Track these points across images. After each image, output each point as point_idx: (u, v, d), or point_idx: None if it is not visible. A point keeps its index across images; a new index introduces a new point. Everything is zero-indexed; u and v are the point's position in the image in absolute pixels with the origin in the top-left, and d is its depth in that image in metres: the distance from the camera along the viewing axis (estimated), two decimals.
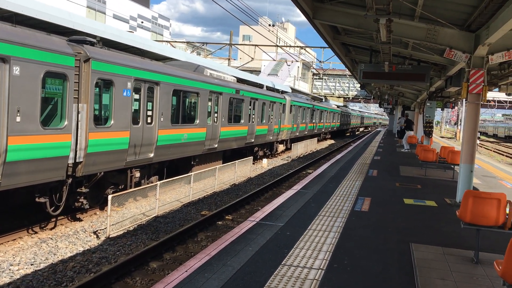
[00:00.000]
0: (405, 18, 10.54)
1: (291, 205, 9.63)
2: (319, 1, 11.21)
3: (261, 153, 25.46)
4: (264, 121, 24.27)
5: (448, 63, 14.45)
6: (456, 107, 52.49)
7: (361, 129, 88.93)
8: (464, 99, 11.13)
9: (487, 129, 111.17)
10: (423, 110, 24.62)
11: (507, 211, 6.30)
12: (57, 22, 11.93)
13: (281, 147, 29.43)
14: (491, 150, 49.18)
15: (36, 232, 10.10)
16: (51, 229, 10.45)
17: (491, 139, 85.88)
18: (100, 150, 10.76)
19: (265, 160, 24.18)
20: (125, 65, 11.57)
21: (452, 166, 15.62)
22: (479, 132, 74.99)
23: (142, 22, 68.65)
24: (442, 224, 8.82)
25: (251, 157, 20.55)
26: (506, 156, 42.72)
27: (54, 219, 10.62)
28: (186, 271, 5.46)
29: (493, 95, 51.27)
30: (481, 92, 10.30)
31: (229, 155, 21.16)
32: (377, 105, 65.27)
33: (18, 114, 8.44)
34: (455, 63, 13.11)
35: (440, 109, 30.05)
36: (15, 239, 9.51)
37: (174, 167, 15.73)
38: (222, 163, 19.11)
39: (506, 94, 17.33)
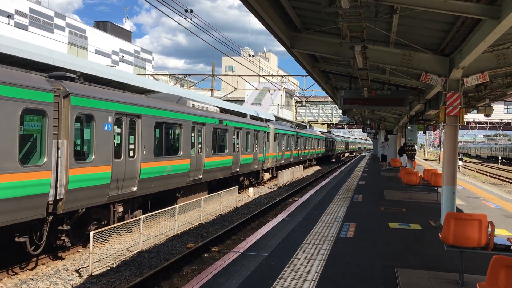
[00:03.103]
0: (380, 45, 10.76)
1: (276, 234, 9.54)
2: (295, 31, 11.41)
3: (247, 182, 25.37)
4: (248, 150, 24.28)
5: (426, 87, 14.71)
6: (438, 130, 53.26)
7: (346, 155, 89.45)
8: (443, 122, 11.28)
9: (470, 150, 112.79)
10: (405, 134, 24.89)
11: (489, 232, 6.32)
12: (36, 59, 11.95)
13: (267, 175, 29.39)
14: (474, 171, 49.73)
15: (16, 273, 9.82)
16: (32, 269, 10.17)
17: (474, 160, 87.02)
18: (81, 186, 10.62)
19: (251, 189, 24.08)
20: (105, 99, 11.55)
21: (436, 188, 15.71)
22: (462, 153, 75.76)
23: (123, 56, 68.95)
24: (427, 247, 8.80)
25: (237, 187, 20.45)
26: (489, 176, 43.22)
27: (35, 259, 10.35)
28: None
29: (473, 116, 52.17)
30: (459, 114, 10.48)
31: (215, 186, 21.03)
32: (361, 130, 65.83)
33: None
34: (432, 86, 13.35)
35: (422, 132, 30.40)
36: None
37: (158, 200, 15.56)
38: (208, 194, 18.97)
39: (484, 115, 17.63)
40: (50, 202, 9.78)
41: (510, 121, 54.61)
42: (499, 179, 39.83)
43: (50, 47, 18.67)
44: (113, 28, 71.11)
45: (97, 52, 60.06)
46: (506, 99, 29.50)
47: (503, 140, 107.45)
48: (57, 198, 9.95)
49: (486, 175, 44.70)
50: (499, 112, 52.86)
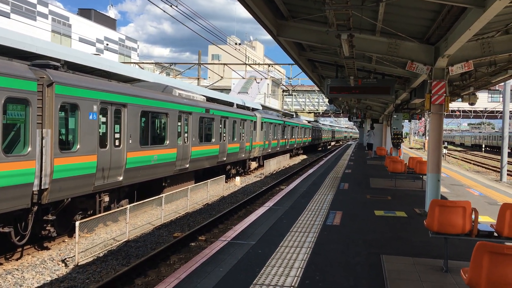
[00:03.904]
0: (366, 33, 10.76)
1: (263, 223, 9.58)
2: (282, 19, 11.35)
3: (233, 171, 25.37)
4: (235, 139, 24.25)
5: (411, 76, 14.79)
6: (423, 118, 53.71)
7: (332, 143, 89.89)
8: (428, 110, 11.37)
9: (454, 139, 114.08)
10: (391, 122, 25.06)
11: (473, 219, 6.41)
12: (19, 47, 11.72)
13: (253, 164, 29.42)
14: (459, 159, 50.36)
15: (1, 264, 9.72)
16: (17, 259, 10.08)
17: (459, 148, 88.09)
18: (66, 175, 10.52)
19: (238, 178, 24.10)
20: (90, 88, 11.41)
21: (421, 176, 15.88)
22: (446, 141, 76.67)
23: (108, 44, 68.06)
24: (412, 234, 8.91)
25: (224, 176, 20.45)
26: (473, 164, 43.81)
27: (20, 249, 10.26)
28: None
29: (458, 105, 52.71)
30: (444, 102, 10.57)
31: (202, 175, 21.00)
32: (347, 119, 66.14)
33: None
34: (417, 75, 13.43)
35: (407, 120, 30.65)
36: None
37: (145, 189, 15.49)
38: (195, 183, 18.94)
39: (469, 104, 17.79)
40: (35, 192, 9.68)
41: (494, 109, 55.31)
42: (483, 167, 40.42)
43: (33, 35, 18.34)
44: (97, 15, 70.09)
45: (81, 40, 59.19)
46: (490, 88, 29.82)
47: (486, 128, 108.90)
48: (42, 188, 9.85)
49: (470, 163, 45.30)
50: (483, 100, 53.52)
